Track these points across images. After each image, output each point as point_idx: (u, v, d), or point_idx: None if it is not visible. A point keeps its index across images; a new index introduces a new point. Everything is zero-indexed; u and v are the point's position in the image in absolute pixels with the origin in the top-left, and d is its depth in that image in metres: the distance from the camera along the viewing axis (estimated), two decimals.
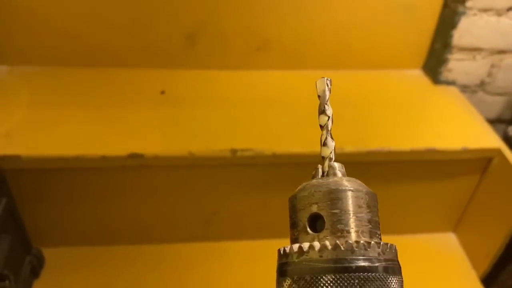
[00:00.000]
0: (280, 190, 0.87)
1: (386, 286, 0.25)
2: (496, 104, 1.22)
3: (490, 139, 0.98)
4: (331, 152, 0.30)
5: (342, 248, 0.25)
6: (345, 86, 1.12)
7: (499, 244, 0.99)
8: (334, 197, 0.27)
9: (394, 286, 0.26)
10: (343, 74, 1.16)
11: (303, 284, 0.25)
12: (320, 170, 0.30)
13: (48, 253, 0.98)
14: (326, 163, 0.30)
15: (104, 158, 0.86)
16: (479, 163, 0.99)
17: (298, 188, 0.29)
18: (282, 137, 0.92)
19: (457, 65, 1.14)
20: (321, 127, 0.30)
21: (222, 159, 0.89)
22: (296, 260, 0.26)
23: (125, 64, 1.09)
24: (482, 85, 1.18)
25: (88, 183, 0.91)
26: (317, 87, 0.31)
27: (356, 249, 0.25)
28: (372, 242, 0.25)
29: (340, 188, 0.27)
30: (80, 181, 0.91)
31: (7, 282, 0.77)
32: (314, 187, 0.28)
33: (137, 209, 0.97)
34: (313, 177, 0.30)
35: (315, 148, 0.99)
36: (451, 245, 1.10)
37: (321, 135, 0.30)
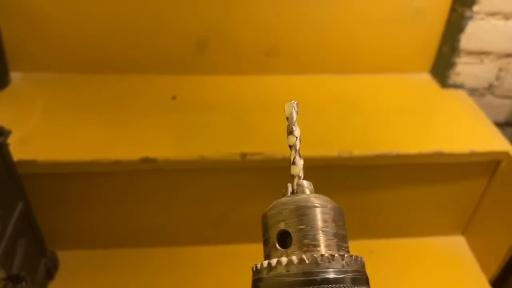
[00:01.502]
0: None
1: None
2: (505, 107, 1.22)
3: (498, 142, 0.99)
4: (300, 170, 0.31)
5: (307, 262, 0.26)
6: (353, 90, 1.13)
7: (508, 247, 1.00)
8: (301, 213, 0.28)
9: None
10: (351, 78, 1.17)
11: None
12: (290, 188, 0.31)
13: (62, 255, 1.00)
14: (295, 181, 0.31)
15: (117, 162, 0.88)
16: (487, 166, 0.99)
17: (269, 206, 0.30)
18: None
19: (465, 69, 1.15)
20: (290, 147, 0.32)
21: (232, 162, 0.91)
22: (266, 276, 0.27)
23: (137, 70, 1.11)
24: (490, 88, 1.18)
25: (102, 187, 0.93)
26: (285, 110, 0.32)
27: (321, 262, 0.26)
28: (336, 255, 0.26)
29: (305, 204, 0.28)
30: (94, 185, 0.93)
31: (24, 283, 0.79)
32: (282, 205, 0.29)
33: (149, 212, 0.99)
34: (283, 195, 0.31)
35: (324, 152, 1.01)
36: (460, 248, 1.10)
37: (290, 154, 0.32)
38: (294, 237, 0.27)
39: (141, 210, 0.98)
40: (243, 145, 0.92)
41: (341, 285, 0.26)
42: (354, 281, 0.26)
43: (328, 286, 0.25)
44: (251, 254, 1.12)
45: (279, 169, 0.94)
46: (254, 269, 0.28)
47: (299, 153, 0.32)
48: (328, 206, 0.29)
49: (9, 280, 0.78)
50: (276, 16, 1.08)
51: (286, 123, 0.32)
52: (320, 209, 0.28)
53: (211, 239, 1.04)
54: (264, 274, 0.27)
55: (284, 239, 0.28)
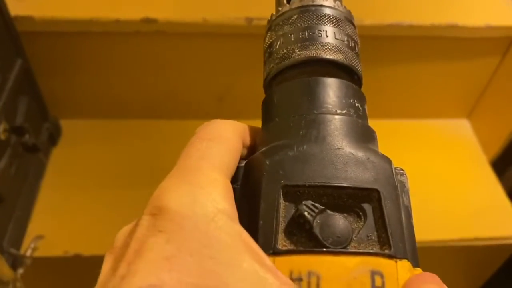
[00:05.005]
0: None
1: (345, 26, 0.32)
2: None
3: None
4: None
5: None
6: None
7: (511, 129, 1.00)
8: None
9: (353, 33, 0.32)
10: None
11: (274, 27, 0.33)
12: None
13: (64, 124, 1.00)
14: None
15: (117, 21, 0.84)
16: (502, 42, 0.96)
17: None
18: None
19: None
20: None
21: (237, 27, 0.87)
22: (274, 19, 0.33)
23: None
24: None
25: (102, 49, 0.91)
26: None
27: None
28: None
29: None
30: (94, 46, 0.90)
31: (27, 136, 0.79)
32: None
33: (151, 81, 0.97)
34: None
35: None
36: (463, 131, 1.10)
37: None
38: None
39: (143, 78, 0.96)
40: (249, 9, 0.88)
41: (336, 12, 0.32)
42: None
43: (325, 14, 0.32)
44: None
45: None
46: (267, 22, 0.34)
47: None
48: None
49: (12, 132, 0.78)
50: None
51: None
52: None
53: (214, 112, 1.04)
54: (273, 18, 0.34)
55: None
